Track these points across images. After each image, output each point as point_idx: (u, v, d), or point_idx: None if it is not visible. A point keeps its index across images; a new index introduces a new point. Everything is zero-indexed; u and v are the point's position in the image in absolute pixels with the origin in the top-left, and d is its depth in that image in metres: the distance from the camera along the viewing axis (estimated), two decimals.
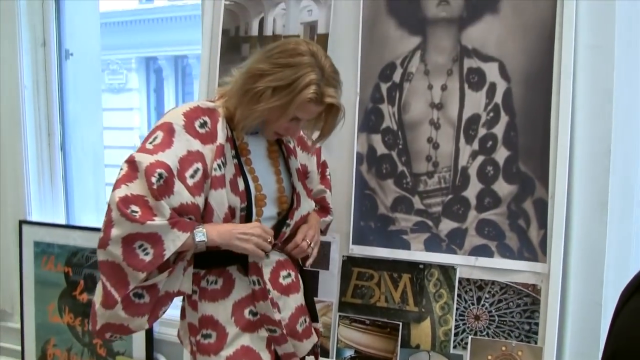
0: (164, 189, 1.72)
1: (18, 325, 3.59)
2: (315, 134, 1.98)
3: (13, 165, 3.60)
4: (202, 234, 1.77)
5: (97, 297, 1.81)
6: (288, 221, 1.95)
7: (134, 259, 1.71)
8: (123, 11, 8.54)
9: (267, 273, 1.94)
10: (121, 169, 1.76)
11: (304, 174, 2.06)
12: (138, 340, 3.22)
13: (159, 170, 1.71)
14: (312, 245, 2.02)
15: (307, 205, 2.03)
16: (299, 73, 1.77)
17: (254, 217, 1.89)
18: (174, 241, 1.72)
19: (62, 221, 3.64)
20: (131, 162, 1.74)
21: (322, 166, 2.25)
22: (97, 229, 3.27)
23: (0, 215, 3.67)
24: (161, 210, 1.71)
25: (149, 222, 1.70)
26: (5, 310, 3.73)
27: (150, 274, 1.77)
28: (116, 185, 1.74)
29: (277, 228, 1.94)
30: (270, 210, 1.94)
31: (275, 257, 1.97)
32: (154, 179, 1.70)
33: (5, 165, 3.63)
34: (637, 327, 1.11)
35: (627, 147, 2.31)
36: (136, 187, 1.72)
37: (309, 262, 2.08)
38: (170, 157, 1.74)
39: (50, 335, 3.48)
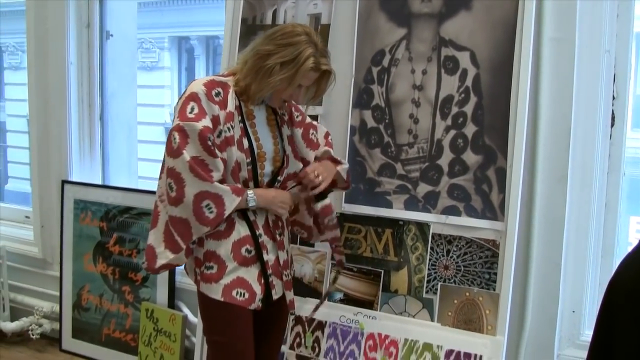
0: (214, 148, 2.09)
1: (57, 274, 3.86)
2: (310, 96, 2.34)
3: (58, 132, 3.87)
4: (253, 199, 2.17)
5: (158, 242, 2.19)
6: (279, 177, 2.28)
7: (201, 216, 2.09)
8: None
9: (260, 222, 2.28)
10: (173, 137, 2.09)
11: (292, 142, 2.38)
12: (162, 289, 3.47)
13: (209, 134, 2.08)
14: (319, 177, 2.25)
15: (294, 166, 2.33)
16: (299, 49, 2.14)
17: (259, 170, 2.23)
18: (231, 202, 2.10)
19: (99, 182, 3.90)
20: (182, 130, 2.08)
21: (326, 135, 2.51)
22: (129, 189, 3.66)
23: (46, 175, 3.93)
24: (217, 166, 2.10)
25: (216, 184, 2.07)
26: (46, 259, 4.01)
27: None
28: (177, 151, 2.07)
29: (271, 182, 2.28)
30: (268, 168, 2.26)
31: (271, 217, 2.31)
32: (209, 142, 2.08)
33: (52, 131, 3.89)
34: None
35: (586, 127, 2.54)
36: (193, 150, 2.07)
37: (317, 191, 2.27)
38: (208, 121, 2.10)
39: (85, 282, 3.73)
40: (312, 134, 2.44)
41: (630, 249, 1.39)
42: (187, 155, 2.07)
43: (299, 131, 2.41)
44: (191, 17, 7.86)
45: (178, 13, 7.92)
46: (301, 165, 2.36)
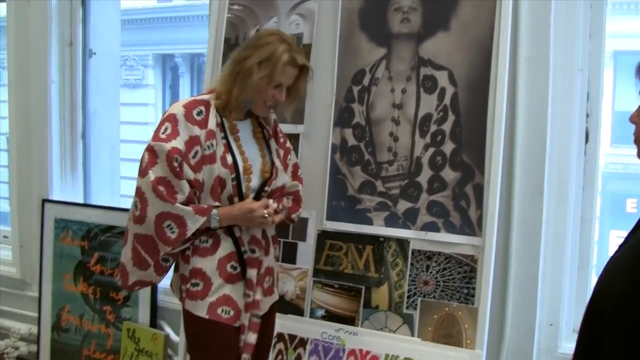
0: (181, 169, 2.12)
1: (36, 294, 3.78)
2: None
3: (39, 150, 3.83)
4: (215, 219, 2.19)
5: (127, 259, 2.22)
6: (266, 188, 2.31)
7: (163, 235, 2.13)
8: (142, 9, 8.36)
9: (246, 238, 2.31)
10: (143, 157, 2.15)
11: (280, 156, 2.43)
12: (144, 308, 3.43)
13: (176, 155, 2.11)
14: (268, 217, 2.28)
15: (282, 178, 2.38)
16: (273, 47, 2.22)
17: (244, 185, 2.25)
18: (194, 223, 2.13)
19: (81, 200, 3.87)
20: (151, 150, 2.14)
21: (295, 167, 2.54)
22: (111, 208, 3.65)
23: (26, 194, 3.88)
24: (182, 188, 2.13)
25: (177, 205, 2.10)
26: (25, 280, 3.95)
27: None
28: (144, 171, 2.12)
29: (257, 193, 2.31)
30: (255, 182, 2.29)
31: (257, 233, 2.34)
32: (175, 163, 2.11)
33: (33, 150, 3.86)
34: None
35: (561, 143, 2.59)
36: (159, 170, 2.12)
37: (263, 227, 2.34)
38: (180, 142, 2.14)
39: (65, 302, 3.68)
40: (290, 159, 2.50)
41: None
42: (152, 175, 2.11)
43: (280, 152, 2.46)
44: (175, 35, 7.84)
45: (162, 30, 7.90)
46: (289, 179, 2.42)
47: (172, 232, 2.13)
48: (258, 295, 2.31)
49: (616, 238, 3.12)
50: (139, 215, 2.14)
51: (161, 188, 2.10)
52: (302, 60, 2.30)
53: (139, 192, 2.14)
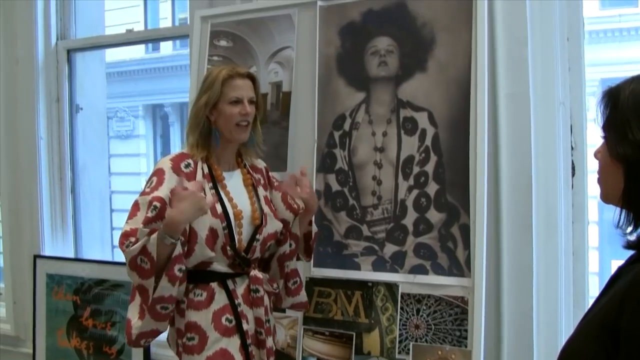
0: (156, 216, 2.12)
1: (30, 351, 3.79)
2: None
3: (29, 206, 3.86)
4: (161, 228, 2.08)
5: (133, 314, 2.21)
6: (257, 236, 2.31)
7: (141, 272, 2.11)
8: (130, 60, 8.65)
9: (240, 290, 2.31)
10: (129, 211, 2.19)
11: (270, 203, 2.43)
12: None
13: (155, 203, 2.14)
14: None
15: (273, 224, 2.37)
16: (213, 73, 2.34)
17: (236, 232, 2.26)
18: (152, 245, 2.07)
19: (72, 255, 3.89)
20: (135, 204, 2.19)
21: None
22: (102, 262, 3.66)
23: (18, 250, 3.90)
24: (142, 234, 2.10)
25: (132, 247, 2.09)
26: (19, 336, 3.94)
27: (159, 281, 2.12)
28: (124, 226, 2.17)
29: (249, 243, 2.31)
30: (247, 229, 2.30)
31: (245, 279, 2.33)
32: (150, 210, 2.13)
33: (23, 206, 3.89)
34: None
35: (547, 178, 2.58)
36: (134, 222, 2.14)
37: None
38: (164, 191, 2.17)
39: (58, 358, 3.69)
40: (290, 198, 2.49)
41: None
42: (126, 227, 2.15)
43: (277, 194, 2.47)
44: (164, 85, 7.97)
45: (151, 81, 8.04)
46: (281, 225, 2.41)
47: (145, 264, 2.10)
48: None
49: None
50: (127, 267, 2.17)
51: (131, 239, 2.12)
52: (245, 70, 2.38)
53: None
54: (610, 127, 1.30)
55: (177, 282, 2.15)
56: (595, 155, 1.37)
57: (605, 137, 1.32)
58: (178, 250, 2.11)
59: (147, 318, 2.18)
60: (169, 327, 2.35)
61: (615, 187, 1.30)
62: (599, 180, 1.36)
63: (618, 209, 1.32)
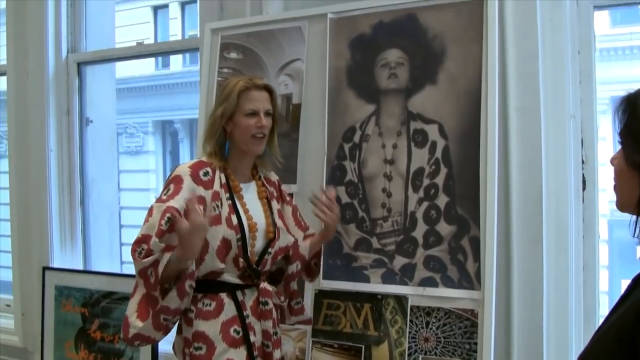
0: (169, 229, 2.11)
1: None
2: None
3: (39, 218, 3.88)
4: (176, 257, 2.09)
5: (132, 311, 2.16)
6: (269, 250, 2.31)
7: (147, 282, 2.11)
8: (141, 77, 8.69)
9: (249, 302, 2.30)
10: (145, 217, 2.17)
11: (282, 216, 2.43)
12: None
13: (168, 214, 2.11)
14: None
15: (286, 239, 2.37)
16: (230, 84, 2.33)
17: (249, 244, 2.25)
18: (162, 264, 2.07)
19: (80, 267, 3.90)
20: (149, 210, 2.17)
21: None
22: (111, 274, 3.66)
23: (27, 262, 3.92)
24: (156, 246, 2.08)
25: (145, 260, 2.08)
26: (27, 348, 3.95)
27: (166, 295, 2.13)
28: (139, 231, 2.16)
29: (261, 256, 2.30)
30: (260, 242, 2.30)
31: (254, 291, 2.32)
32: (163, 221, 2.11)
33: (32, 217, 3.91)
34: None
35: (558, 191, 2.58)
36: (147, 228, 2.12)
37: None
38: (179, 201, 2.15)
39: None
40: (300, 215, 2.51)
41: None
42: (135, 237, 2.13)
43: (289, 209, 2.49)
44: (174, 101, 7.99)
45: (161, 97, 8.06)
46: (293, 239, 2.41)
47: (152, 277, 2.10)
48: None
49: None
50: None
51: (143, 245, 2.10)
52: (262, 81, 2.36)
53: None
54: (627, 133, 1.29)
55: (185, 296, 2.16)
56: (612, 161, 1.35)
57: (622, 144, 1.31)
58: (191, 268, 2.13)
59: (148, 323, 2.14)
60: (176, 335, 2.35)
61: (631, 194, 1.29)
62: (615, 188, 1.35)
63: (634, 217, 1.30)
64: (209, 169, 2.27)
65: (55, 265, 3.85)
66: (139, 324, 2.15)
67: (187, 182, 2.20)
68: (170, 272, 2.11)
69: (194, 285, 2.17)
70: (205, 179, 2.24)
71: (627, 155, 1.28)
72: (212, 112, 2.35)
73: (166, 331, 2.22)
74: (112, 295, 3.58)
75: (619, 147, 1.33)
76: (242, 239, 2.25)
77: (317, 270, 2.61)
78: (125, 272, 3.81)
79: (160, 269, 2.06)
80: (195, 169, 2.25)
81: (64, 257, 3.91)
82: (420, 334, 2.54)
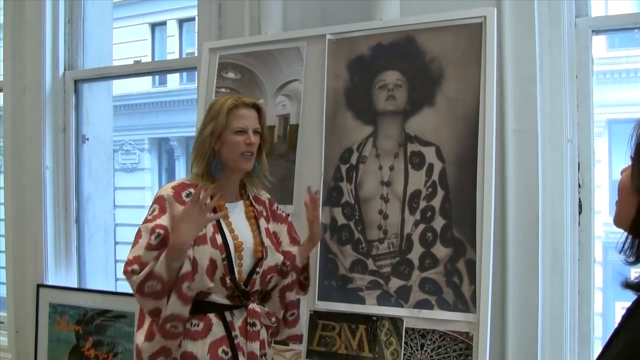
0: (159, 244, 2.11)
1: None
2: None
3: (33, 235, 3.86)
4: (167, 257, 2.08)
5: (140, 340, 2.18)
6: (257, 269, 2.29)
7: (152, 295, 2.08)
8: (137, 94, 8.69)
9: (237, 323, 2.28)
10: (133, 240, 2.18)
11: (272, 235, 2.41)
12: None
13: (158, 231, 2.12)
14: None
15: (274, 258, 2.35)
16: (218, 103, 2.32)
17: (235, 264, 2.24)
18: (161, 266, 2.06)
19: (75, 285, 3.87)
20: (138, 232, 2.18)
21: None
22: (105, 292, 3.65)
23: (21, 279, 3.90)
24: (147, 257, 2.10)
25: (139, 275, 2.07)
26: None
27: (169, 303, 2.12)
28: (128, 254, 2.16)
29: (249, 276, 2.28)
30: (247, 261, 2.28)
31: (243, 312, 2.30)
32: (153, 237, 2.12)
33: (27, 234, 3.89)
34: None
35: (554, 215, 2.59)
36: (136, 250, 2.13)
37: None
38: (166, 220, 2.15)
39: None
40: (295, 232, 2.50)
41: None
42: (130, 255, 2.13)
43: (283, 227, 2.47)
44: (170, 119, 7.99)
45: (157, 115, 8.06)
46: (282, 258, 2.39)
47: (155, 286, 2.08)
48: None
49: (621, 309, 3.05)
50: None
51: (134, 266, 2.10)
52: (251, 99, 2.35)
53: None
54: (637, 156, 1.30)
55: (186, 300, 2.14)
56: (621, 172, 1.37)
57: (632, 163, 1.33)
58: (185, 268, 2.12)
59: (157, 337, 2.14)
60: None
61: (628, 212, 1.31)
62: (616, 202, 1.36)
63: (625, 233, 1.32)
64: (191, 190, 2.25)
65: (50, 282, 3.83)
66: (147, 344, 2.16)
67: (171, 202, 2.16)
68: (171, 278, 2.10)
69: (192, 287, 2.15)
70: (187, 199, 2.21)
71: (632, 176, 1.30)
72: (200, 132, 2.32)
73: (178, 339, 2.20)
74: (107, 313, 3.56)
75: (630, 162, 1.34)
76: (228, 258, 2.24)
77: (306, 285, 2.57)
78: (119, 290, 3.79)
79: (160, 271, 2.06)
80: (177, 191, 2.25)
81: (59, 274, 3.89)
82: (415, 356, 2.53)
